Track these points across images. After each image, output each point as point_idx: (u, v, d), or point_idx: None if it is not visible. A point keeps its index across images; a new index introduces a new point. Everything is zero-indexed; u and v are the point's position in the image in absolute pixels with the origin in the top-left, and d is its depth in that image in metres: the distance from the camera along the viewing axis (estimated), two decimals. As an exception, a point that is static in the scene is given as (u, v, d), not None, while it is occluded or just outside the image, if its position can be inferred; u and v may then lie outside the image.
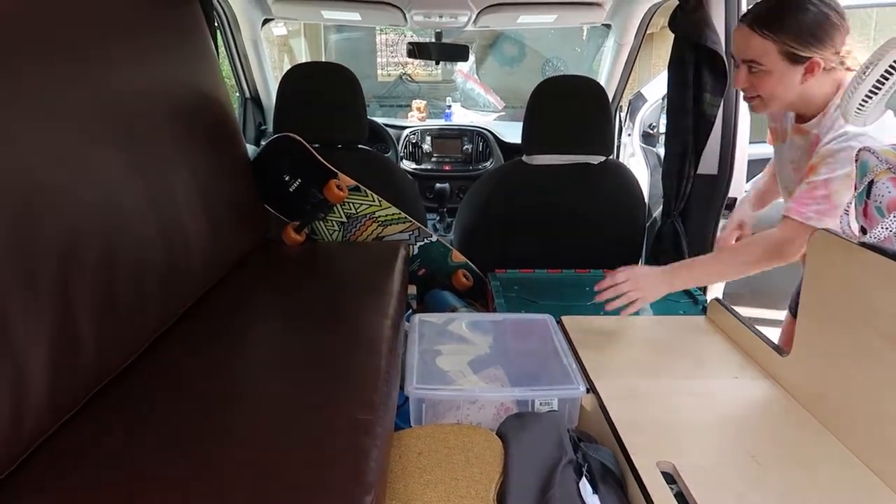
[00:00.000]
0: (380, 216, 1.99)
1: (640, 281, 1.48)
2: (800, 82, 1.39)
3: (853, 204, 1.06)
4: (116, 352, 1.08)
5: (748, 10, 1.40)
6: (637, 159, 3.24)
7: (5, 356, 0.81)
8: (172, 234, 1.34)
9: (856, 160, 1.07)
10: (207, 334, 1.29)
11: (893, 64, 0.91)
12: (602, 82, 2.93)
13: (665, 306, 1.81)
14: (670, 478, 1.03)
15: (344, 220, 1.97)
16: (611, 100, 2.97)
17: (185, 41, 1.65)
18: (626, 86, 2.96)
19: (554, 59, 4.98)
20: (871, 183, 1.01)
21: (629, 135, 3.26)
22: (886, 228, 0.94)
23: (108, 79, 1.20)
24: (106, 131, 1.15)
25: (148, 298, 1.19)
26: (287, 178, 1.90)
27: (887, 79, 0.91)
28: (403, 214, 1.98)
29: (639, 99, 3.16)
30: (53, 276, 0.92)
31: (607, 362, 1.40)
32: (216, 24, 2.34)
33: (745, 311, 2.63)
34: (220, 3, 2.50)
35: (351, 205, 1.96)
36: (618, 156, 3.20)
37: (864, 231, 1.02)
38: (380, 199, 1.96)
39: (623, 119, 3.21)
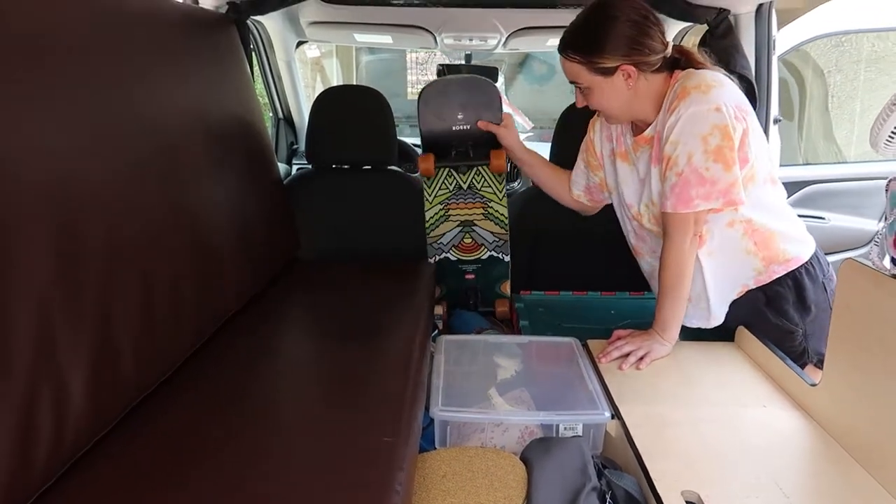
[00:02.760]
0: (491, 207, 2.01)
1: (644, 344, 1.52)
2: (627, 89, 1.43)
3: (884, 234, 1.05)
4: (153, 368, 1.12)
5: (560, 39, 1.46)
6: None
7: (50, 371, 0.84)
8: (206, 252, 1.37)
9: (886, 190, 1.06)
10: (237, 353, 1.32)
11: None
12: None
13: (693, 331, 1.79)
14: (696, 508, 1.02)
15: (463, 186, 2.00)
16: None
17: (221, 64, 1.70)
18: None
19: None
20: (902, 214, 1.00)
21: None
22: (917, 260, 0.93)
23: (148, 101, 1.25)
24: (145, 152, 1.20)
25: (183, 316, 1.23)
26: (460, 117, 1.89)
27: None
28: (507, 222, 2.01)
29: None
30: (95, 293, 0.96)
31: (633, 388, 1.39)
32: (251, 47, 2.40)
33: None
34: (255, 26, 2.57)
35: (481, 179, 1.99)
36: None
37: (894, 262, 1.01)
38: (504, 196, 2.00)
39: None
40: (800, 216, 2.68)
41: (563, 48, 1.44)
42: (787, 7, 2.54)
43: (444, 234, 2.02)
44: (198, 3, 1.92)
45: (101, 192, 1.02)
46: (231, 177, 1.58)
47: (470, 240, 2.02)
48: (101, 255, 0.98)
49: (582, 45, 1.40)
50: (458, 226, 2.02)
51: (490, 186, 2.00)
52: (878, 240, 1.08)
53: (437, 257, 2.02)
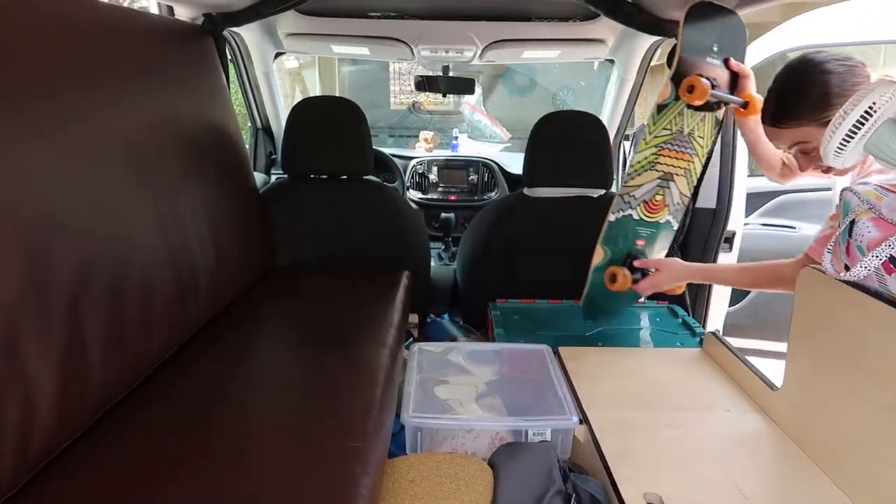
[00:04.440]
0: (693, 164, 1.81)
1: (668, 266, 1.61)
2: None
3: (837, 242, 1.09)
4: (122, 376, 1.12)
5: (764, 111, 1.39)
6: (641, 191, 3.27)
7: (16, 378, 0.85)
8: (180, 262, 1.38)
9: (839, 199, 1.10)
10: (208, 361, 1.32)
11: (871, 108, 0.94)
12: (606, 115, 2.98)
13: (662, 337, 1.83)
14: (658, 509, 1.05)
15: (685, 131, 1.75)
16: (615, 132, 3.02)
17: (196, 75, 1.71)
18: (630, 118, 3.00)
19: (564, 90, 5.05)
20: (852, 222, 1.04)
21: (633, 167, 3.29)
22: (865, 267, 0.97)
23: (120, 112, 1.26)
24: (117, 163, 1.21)
25: (154, 325, 1.24)
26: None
27: (864, 122, 0.94)
28: (695, 185, 1.84)
29: (641, 131, 3.20)
30: (64, 302, 0.97)
31: (601, 393, 1.42)
32: (229, 58, 2.42)
33: (748, 343, 2.66)
34: (233, 37, 2.58)
35: (703, 127, 1.77)
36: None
37: (847, 269, 1.05)
38: (703, 157, 1.82)
39: (628, 151, 3.25)
40: (771, 225, 2.75)
41: (781, 118, 1.34)
42: (763, 20, 2.60)
43: (641, 185, 1.78)
44: (173, 14, 1.94)
45: (70, 201, 1.03)
46: (205, 187, 1.60)
47: (661, 197, 1.80)
48: (70, 263, 0.99)
49: (805, 107, 1.31)
50: (658, 178, 1.79)
51: (704, 139, 1.79)
52: (830, 247, 1.11)
53: (617, 215, 1.77)
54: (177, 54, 1.63)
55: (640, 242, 1.81)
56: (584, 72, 5.00)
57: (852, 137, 0.96)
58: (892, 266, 0.94)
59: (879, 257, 0.94)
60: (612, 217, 1.75)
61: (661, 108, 1.69)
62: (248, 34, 2.59)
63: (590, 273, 1.78)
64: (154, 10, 1.97)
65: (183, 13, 1.93)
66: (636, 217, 1.78)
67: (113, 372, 1.08)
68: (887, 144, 0.94)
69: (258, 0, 1.94)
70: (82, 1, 1.24)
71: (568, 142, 2.03)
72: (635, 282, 1.69)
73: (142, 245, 1.23)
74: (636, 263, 1.71)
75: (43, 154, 0.99)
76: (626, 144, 3.23)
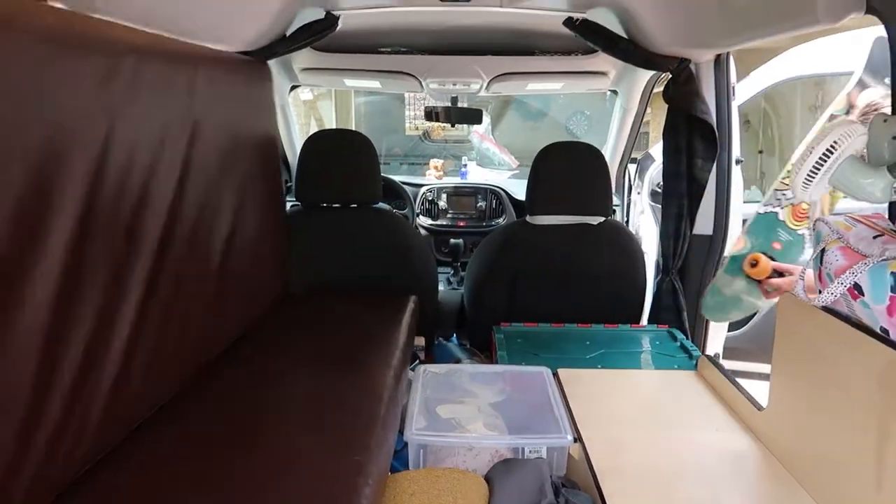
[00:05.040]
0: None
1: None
2: None
3: (810, 269, 1.16)
4: (155, 393, 1.22)
5: None
6: (646, 216, 3.35)
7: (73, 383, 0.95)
8: (221, 282, 1.49)
9: (813, 228, 1.17)
10: (225, 378, 1.41)
11: (835, 143, 1.02)
12: (611, 143, 3.07)
13: (660, 360, 1.89)
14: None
15: None
16: (619, 160, 3.11)
17: (254, 103, 1.87)
18: (633, 146, 3.09)
19: (577, 115, 5.15)
20: (823, 250, 1.11)
21: (638, 193, 3.37)
22: (831, 293, 1.04)
23: (189, 114, 1.40)
24: (175, 152, 1.33)
25: (188, 342, 1.34)
26: None
27: (828, 157, 1.02)
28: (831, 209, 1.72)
29: (647, 159, 3.29)
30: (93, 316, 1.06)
31: (596, 413, 1.48)
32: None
33: (750, 367, 2.69)
34: (251, 72, 2.71)
35: None
36: (627, 213, 3.31)
37: (820, 293, 1.12)
38: None
39: (632, 177, 3.33)
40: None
41: None
42: (771, 45, 2.66)
43: None
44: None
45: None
46: (249, 213, 1.71)
47: (807, 206, 1.75)
48: (103, 282, 1.08)
49: None
50: None
51: None
52: (802, 274, 1.18)
53: (766, 208, 1.74)
54: (240, 84, 1.77)
55: (777, 246, 1.79)
56: (594, 99, 5.10)
57: (817, 171, 1.03)
58: (856, 292, 1.01)
59: (845, 284, 1.01)
60: (761, 209, 1.77)
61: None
62: (265, 69, 2.72)
63: (725, 262, 1.78)
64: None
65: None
66: (781, 217, 1.77)
67: (149, 388, 1.17)
68: (849, 178, 1.01)
69: (275, 40, 2.06)
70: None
71: (568, 172, 2.12)
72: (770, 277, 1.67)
73: (178, 269, 1.33)
74: (774, 265, 1.68)
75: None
76: (632, 168, 3.32)
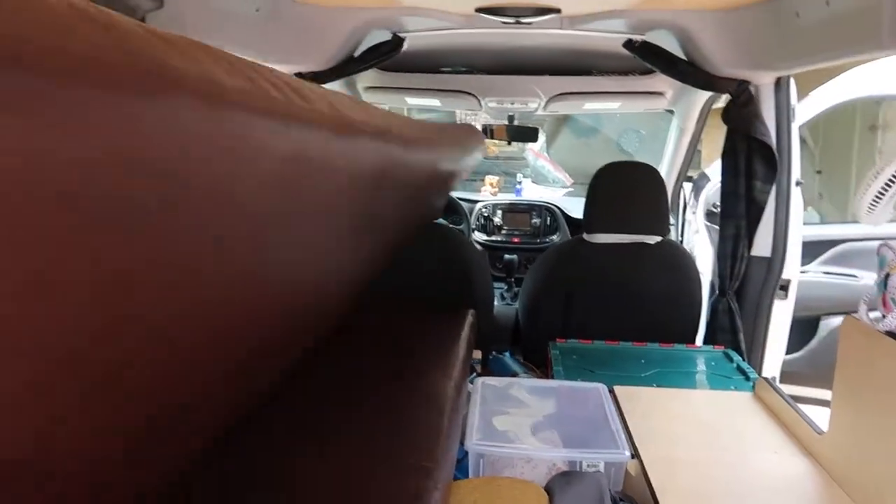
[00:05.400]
0: None
1: None
2: None
3: (874, 293, 1.17)
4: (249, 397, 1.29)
5: None
6: (701, 236, 3.33)
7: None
8: (318, 294, 1.58)
9: (877, 253, 1.18)
10: (294, 387, 1.47)
11: (902, 170, 1.04)
12: (666, 162, 3.08)
13: (716, 381, 1.89)
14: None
15: None
16: (675, 179, 3.11)
17: None
18: (688, 166, 3.09)
19: (629, 132, 5.15)
20: (887, 275, 1.12)
21: (693, 212, 3.36)
22: (896, 319, 1.05)
23: None
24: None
25: (277, 351, 1.41)
26: None
27: (894, 182, 1.04)
28: None
29: (702, 178, 3.28)
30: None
31: (653, 431, 1.50)
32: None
33: (806, 392, 2.66)
34: (317, 91, 2.83)
35: None
36: (682, 232, 3.31)
37: (884, 318, 1.13)
38: None
39: (687, 197, 3.33)
40: (832, 274, 2.76)
41: None
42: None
43: None
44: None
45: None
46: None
47: None
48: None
49: None
50: None
51: None
52: (866, 298, 1.19)
53: None
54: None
55: None
56: (646, 116, 5.10)
57: (883, 196, 1.05)
58: (922, 319, 1.02)
59: (910, 310, 1.03)
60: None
61: None
62: (330, 88, 2.83)
63: None
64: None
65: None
66: None
67: (242, 391, 1.23)
68: (916, 206, 1.03)
69: (342, 62, 2.16)
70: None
71: (626, 191, 2.15)
72: None
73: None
74: None
75: None
76: (687, 187, 3.32)
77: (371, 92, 2.84)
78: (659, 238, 2.17)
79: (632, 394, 1.72)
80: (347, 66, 2.16)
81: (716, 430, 1.53)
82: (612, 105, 2.83)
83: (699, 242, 3.33)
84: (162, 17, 1.41)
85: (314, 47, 2.04)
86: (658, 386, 1.83)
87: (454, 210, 3.27)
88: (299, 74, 2.15)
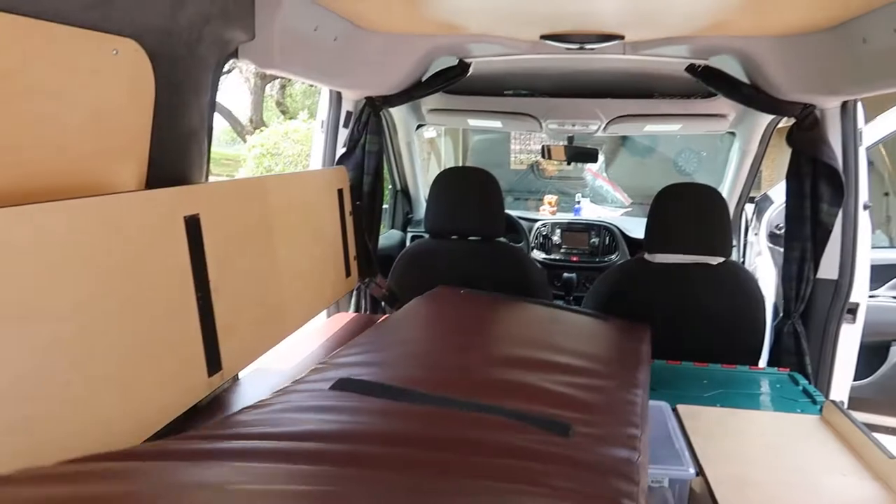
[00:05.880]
0: None
1: None
2: None
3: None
4: None
5: None
6: (764, 258, 3.29)
7: None
8: None
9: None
10: None
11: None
12: (728, 184, 3.07)
13: (782, 403, 1.88)
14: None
15: None
16: (737, 200, 3.10)
17: None
18: (750, 188, 3.07)
19: (686, 152, 5.12)
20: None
21: (756, 234, 3.33)
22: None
23: None
24: None
25: None
26: None
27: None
28: None
29: (765, 200, 3.25)
30: None
31: (717, 449, 1.51)
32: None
33: (875, 419, 2.59)
34: (384, 113, 2.95)
35: None
36: (744, 254, 3.28)
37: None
38: None
39: (749, 219, 3.30)
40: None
41: None
42: None
43: None
44: (341, 98, 2.29)
45: None
46: None
47: None
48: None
49: None
50: None
51: None
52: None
53: None
54: None
55: None
56: (705, 137, 5.06)
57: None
58: None
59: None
60: None
61: None
62: (396, 110, 2.95)
63: None
64: (325, 94, 2.35)
65: (350, 96, 2.28)
66: None
67: None
68: None
69: (410, 86, 2.26)
70: None
71: (688, 211, 2.17)
72: None
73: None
74: None
75: None
76: (749, 209, 3.29)
77: (434, 114, 2.94)
78: (721, 259, 2.18)
79: (695, 413, 1.72)
80: (415, 91, 2.26)
81: (782, 451, 1.53)
82: (672, 128, 2.85)
83: (762, 264, 3.29)
84: (254, 47, 1.52)
85: (385, 72, 2.15)
86: (721, 406, 1.83)
87: (513, 228, 3.33)
88: (370, 99, 2.26)
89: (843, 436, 1.59)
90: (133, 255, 1.11)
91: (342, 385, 1.17)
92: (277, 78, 12.15)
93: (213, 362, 1.29)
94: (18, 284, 0.88)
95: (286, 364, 1.76)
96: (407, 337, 1.58)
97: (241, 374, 1.66)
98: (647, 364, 1.63)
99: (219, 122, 14.62)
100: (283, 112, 15.05)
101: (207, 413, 1.46)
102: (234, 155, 13.10)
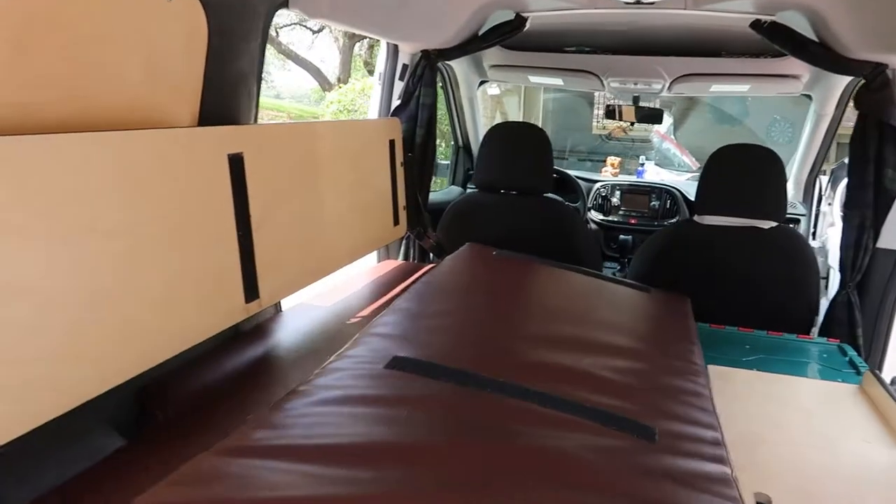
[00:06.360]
0: None
1: None
2: None
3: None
4: None
5: None
6: (836, 229, 3.15)
7: None
8: None
9: None
10: None
11: None
12: (801, 149, 2.94)
13: (824, 373, 1.84)
14: (765, 508, 1.16)
15: None
16: (810, 168, 2.96)
17: None
18: (825, 154, 2.93)
19: (779, 122, 4.88)
20: None
21: (829, 204, 3.18)
22: None
23: None
24: None
25: None
26: None
27: None
28: None
29: (842, 168, 3.09)
30: None
31: (739, 410, 1.51)
32: (440, 84, 2.81)
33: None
34: (444, 68, 2.98)
35: None
36: (816, 223, 3.14)
37: None
38: None
39: (824, 188, 3.15)
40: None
41: None
42: None
43: None
44: (398, 51, 2.34)
45: None
46: None
47: None
48: None
49: None
50: None
51: None
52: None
53: None
54: None
55: None
56: (800, 107, 4.79)
57: None
58: None
59: None
60: None
61: None
62: (458, 65, 2.97)
63: None
64: (383, 48, 2.40)
65: (406, 49, 2.33)
66: None
67: None
68: None
69: (465, 40, 2.28)
70: None
71: (741, 173, 2.11)
72: None
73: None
74: None
75: None
76: (823, 179, 3.15)
77: (496, 70, 2.95)
78: (774, 224, 2.12)
79: (725, 374, 1.71)
80: (470, 44, 2.28)
81: (808, 415, 1.51)
82: (740, 88, 2.73)
83: (833, 235, 3.16)
84: (305, 1, 1.59)
85: (440, 25, 2.18)
86: (759, 371, 1.81)
87: (571, 188, 3.31)
88: (425, 52, 2.30)
89: (878, 406, 1.55)
90: (178, 186, 1.22)
91: (398, 364, 1.10)
92: (365, 38, 12.29)
93: (251, 291, 1.40)
94: (72, 203, 1.00)
95: (329, 301, 1.87)
96: (446, 307, 1.49)
97: (284, 307, 1.78)
98: (699, 346, 1.58)
99: (307, 80, 15.02)
100: (370, 72, 15.25)
101: (251, 338, 1.59)
102: (315, 112, 13.45)
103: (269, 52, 15.11)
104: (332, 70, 15.21)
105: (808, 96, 2.78)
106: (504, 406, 1.02)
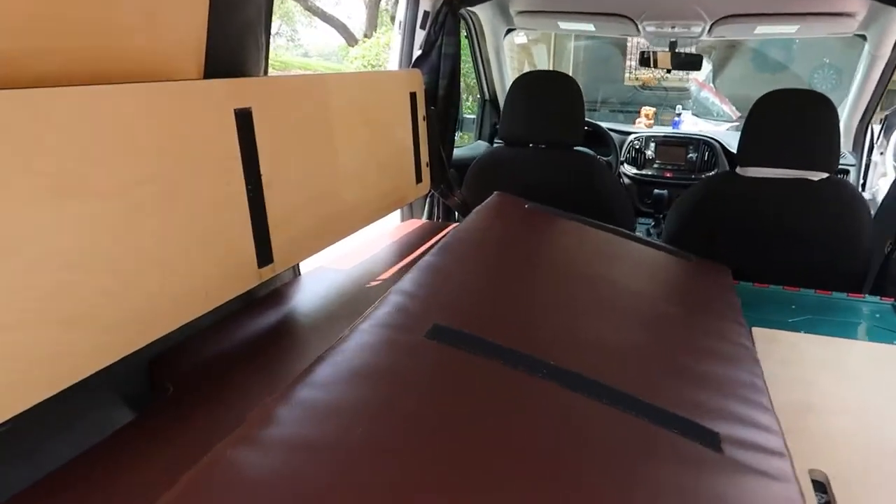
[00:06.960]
0: None
1: None
2: None
3: None
4: None
5: None
6: (888, 179, 2.96)
7: None
8: None
9: None
10: None
11: None
12: (852, 94, 2.75)
13: (877, 335, 1.72)
14: (821, 486, 1.07)
15: None
16: (862, 114, 2.77)
17: None
18: (879, 100, 2.73)
19: (826, 68, 4.63)
20: None
21: (882, 153, 2.99)
22: None
23: None
24: None
25: None
26: None
27: None
28: None
29: (895, 115, 2.89)
30: None
31: (787, 375, 1.41)
32: (464, 34, 2.67)
33: None
34: (469, 16, 2.83)
35: None
36: (866, 174, 2.96)
37: None
38: None
39: (876, 136, 2.96)
40: None
41: None
42: None
43: None
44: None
45: None
46: None
47: None
48: None
49: None
50: None
51: None
52: None
53: None
54: None
55: None
56: (849, 51, 4.51)
57: None
58: None
59: None
60: None
61: None
62: (483, 12, 2.82)
63: None
64: (404, -6, 2.27)
65: (427, -5, 2.20)
66: None
67: None
68: None
69: None
70: None
71: (788, 120, 1.95)
72: None
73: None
74: None
75: None
76: (875, 127, 2.95)
77: (523, 16, 2.79)
78: (825, 175, 1.97)
79: (770, 336, 1.61)
80: None
81: (859, 380, 1.40)
82: (788, 29, 2.53)
83: (884, 187, 2.97)
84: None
85: None
86: (805, 333, 1.70)
87: (603, 141, 3.17)
88: (448, -3, 2.17)
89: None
90: (181, 142, 1.14)
91: (439, 334, 1.01)
92: (391, -11, 12.04)
93: (264, 254, 1.33)
94: (67, 161, 0.93)
95: (350, 263, 1.80)
96: (482, 267, 1.39)
97: (303, 271, 1.72)
98: (746, 326, 1.47)
99: (334, 36, 14.82)
100: (397, 27, 14.99)
101: (267, 304, 1.53)
102: (340, 68, 13.30)
103: (296, 9, 14.92)
104: (358, 26, 15.01)
105: (863, 37, 2.57)
106: (560, 398, 0.93)
